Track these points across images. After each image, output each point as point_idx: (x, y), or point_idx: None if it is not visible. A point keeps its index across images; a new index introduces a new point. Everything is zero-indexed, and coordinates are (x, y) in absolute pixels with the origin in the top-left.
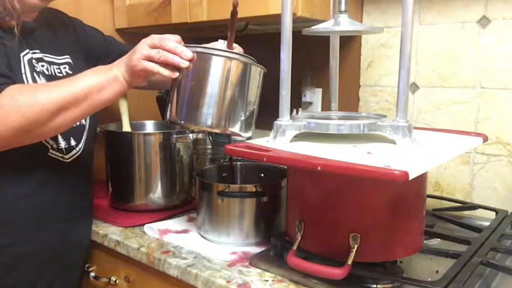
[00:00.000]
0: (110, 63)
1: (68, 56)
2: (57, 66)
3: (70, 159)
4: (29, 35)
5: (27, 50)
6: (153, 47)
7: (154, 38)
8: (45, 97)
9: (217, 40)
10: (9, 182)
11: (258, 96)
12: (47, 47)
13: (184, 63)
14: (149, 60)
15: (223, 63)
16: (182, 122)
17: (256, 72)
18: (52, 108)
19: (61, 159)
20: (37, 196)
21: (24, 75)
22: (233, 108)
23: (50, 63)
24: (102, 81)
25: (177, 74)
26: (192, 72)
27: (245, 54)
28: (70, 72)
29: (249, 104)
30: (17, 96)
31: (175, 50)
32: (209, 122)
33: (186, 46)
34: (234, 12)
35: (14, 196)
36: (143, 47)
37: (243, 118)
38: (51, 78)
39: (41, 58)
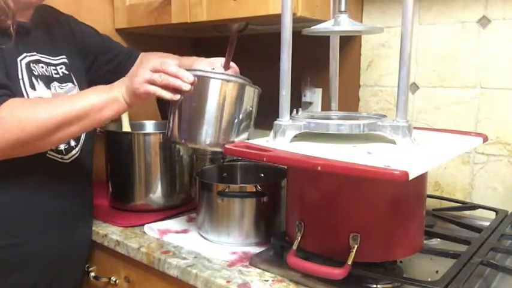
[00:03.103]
0: (108, 61)
1: (64, 56)
2: (54, 67)
3: (70, 160)
4: (25, 36)
5: (24, 54)
6: (155, 71)
7: (155, 63)
8: (45, 113)
9: (216, 40)
10: (9, 184)
11: (254, 115)
12: (43, 47)
13: (186, 87)
14: (151, 84)
15: (220, 85)
16: (183, 141)
17: (252, 93)
18: (52, 124)
19: (61, 160)
20: (37, 197)
21: (21, 81)
22: (231, 127)
23: (48, 64)
24: (102, 101)
25: (178, 97)
26: (192, 94)
27: (241, 76)
28: (67, 72)
29: (245, 122)
30: (18, 110)
31: (177, 73)
32: (208, 141)
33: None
34: (234, 37)
35: (14, 198)
36: (145, 71)
37: (240, 136)
38: (48, 79)
39: (39, 60)
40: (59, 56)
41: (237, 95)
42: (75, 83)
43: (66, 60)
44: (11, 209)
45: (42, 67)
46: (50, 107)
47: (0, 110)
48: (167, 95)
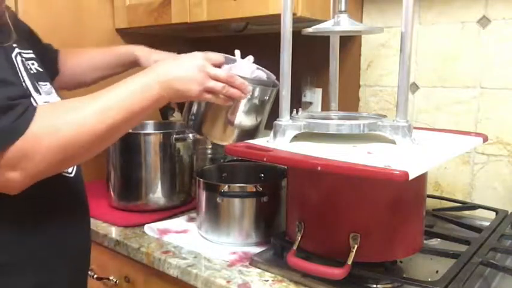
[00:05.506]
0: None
1: (31, 51)
2: (28, 62)
3: (73, 173)
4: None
5: (17, 50)
6: (216, 79)
7: (217, 71)
8: (91, 122)
9: (216, 40)
10: (29, 222)
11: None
12: (17, 39)
13: (243, 97)
14: (209, 92)
15: (269, 92)
16: (209, 137)
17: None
18: (100, 135)
19: (67, 175)
20: (53, 226)
21: (24, 84)
22: (260, 128)
23: (26, 58)
24: (149, 103)
25: (231, 103)
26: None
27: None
28: (40, 69)
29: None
30: (53, 120)
31: (241, 86)
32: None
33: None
34: None
35: (36, 235)
36: (205, 78)
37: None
38: (34, 77)
39: (20, 53)
40: (28, 49)
41: (274, 97)
42: (50, 82)
43: (34, 55)
44: (38, 247)
45: (24, 62)
46: (95, 113)
47: (33, 124)
48: (219, 101)
